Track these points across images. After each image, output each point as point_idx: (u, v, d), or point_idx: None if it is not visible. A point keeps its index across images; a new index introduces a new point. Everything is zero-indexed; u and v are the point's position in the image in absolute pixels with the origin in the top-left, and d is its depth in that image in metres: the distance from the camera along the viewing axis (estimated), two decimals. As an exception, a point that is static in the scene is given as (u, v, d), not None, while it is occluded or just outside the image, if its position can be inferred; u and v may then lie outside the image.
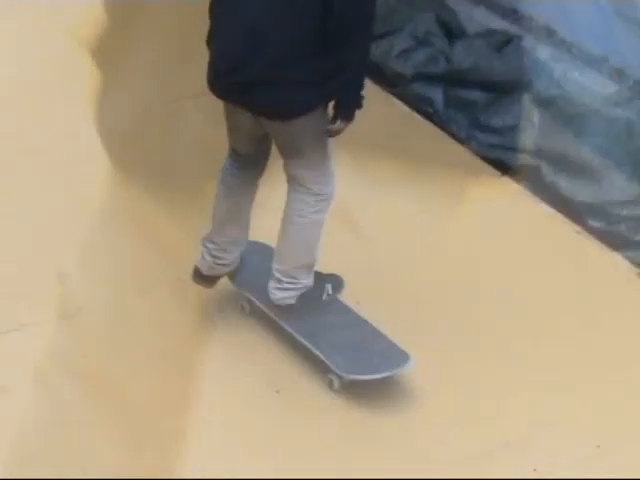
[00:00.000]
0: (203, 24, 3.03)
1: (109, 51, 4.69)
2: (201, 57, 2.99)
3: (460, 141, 4.33)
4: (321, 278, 3.02)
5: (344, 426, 2.94)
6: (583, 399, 3.10)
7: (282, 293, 2.92)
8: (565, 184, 3.99)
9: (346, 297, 3.15)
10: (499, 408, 3.15)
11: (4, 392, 2.83)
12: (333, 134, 2.81)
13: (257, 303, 3.09)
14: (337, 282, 3.08)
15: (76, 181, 3.85)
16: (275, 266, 2.91)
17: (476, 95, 4.44)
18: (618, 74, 4.34)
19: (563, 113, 4.16)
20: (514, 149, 4.23)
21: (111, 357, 3.04)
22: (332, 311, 3.10)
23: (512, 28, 4.61)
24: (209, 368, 3.09)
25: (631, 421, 3.08)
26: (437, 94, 4.53)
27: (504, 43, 4.59)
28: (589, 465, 2.96)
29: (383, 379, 2.96)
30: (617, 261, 3.81)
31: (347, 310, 3.06)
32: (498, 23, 4.68)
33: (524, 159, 4.17)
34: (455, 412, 3.03)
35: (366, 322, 3.10)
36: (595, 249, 3.79)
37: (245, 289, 3.12)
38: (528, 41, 4.52)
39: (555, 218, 3.95)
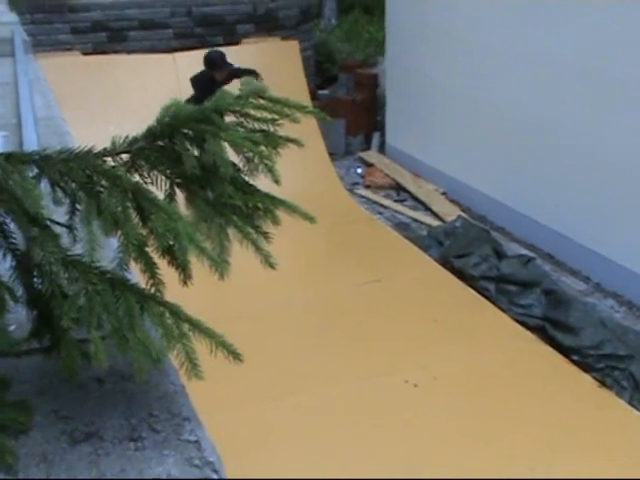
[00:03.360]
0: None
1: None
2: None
3: (504, 311, 6.01)
4: None
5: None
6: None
7: None
8: (560, 336, 5.62)
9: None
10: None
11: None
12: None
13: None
14: None
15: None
16: None
17: (512, 288, 6.23)
18: (587, 280, 6.79)
19: (558, 299, 5.96)
20: (531, 317, 5.92)
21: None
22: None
23: (530, 253, 7.02)
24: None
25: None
26: (492, 287, 6.35)
27: (527, 261, 6.57)
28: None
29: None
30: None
31: None
32: (522, 250, 7.15)
33: (536, 322, 5.85)
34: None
35: None
36: (572, 370, 5.35)
37: None
38: (539, 261, 6.87)
39: (553, 354, 5.42)
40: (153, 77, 8.27)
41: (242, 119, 1.73)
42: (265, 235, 1.70)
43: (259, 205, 1.67)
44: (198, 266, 1.62)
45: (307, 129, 8.60)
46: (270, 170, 1.64)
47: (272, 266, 1.67)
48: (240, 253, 1.72)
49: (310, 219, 1.66)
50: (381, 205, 8.72)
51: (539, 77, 7.18)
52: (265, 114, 1.71)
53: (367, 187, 9.23)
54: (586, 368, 5.35)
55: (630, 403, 5.04)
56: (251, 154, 1.66)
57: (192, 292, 1.83)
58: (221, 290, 6.30)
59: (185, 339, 1.57)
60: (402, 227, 8.06)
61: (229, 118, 1.74)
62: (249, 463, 4.27)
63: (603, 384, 5.23)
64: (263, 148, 1.66)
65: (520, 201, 7.58)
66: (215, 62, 7.33)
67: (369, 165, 9.80)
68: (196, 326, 1.60)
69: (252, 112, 1.72)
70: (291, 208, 1.70)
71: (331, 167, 8.95)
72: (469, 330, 5.83)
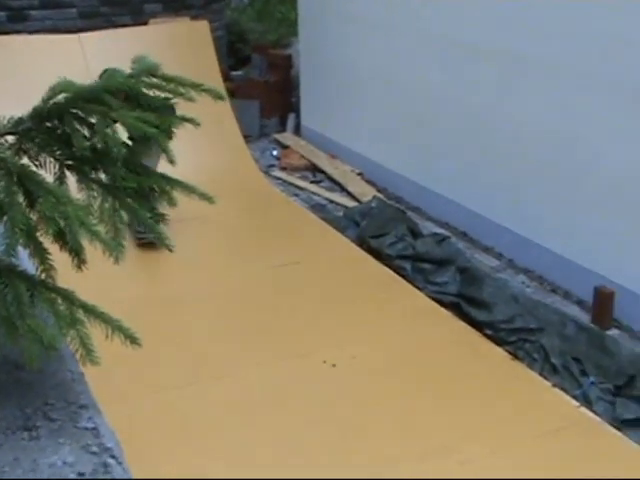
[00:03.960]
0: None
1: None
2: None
3: (419, 289, 6.04)
4: None
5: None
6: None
7: None
8: (474, 312, 5.66)
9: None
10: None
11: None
12: None
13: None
14: None
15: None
16: None
17: (427, 266, 6.28)
18: (499, 257, 6.89)
19: (472, 276, 5.97)
20: (447, 294, 5.95)
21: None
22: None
23: (445, 232, 7.11)
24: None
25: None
26: (408, 265, 6.37)
27: (442, 240, 6.65)
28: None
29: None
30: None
31: None
32: (437, 229, 7.24)
33: (451, 299, 5.87)
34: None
35: None
36: (486, 344, 5.33)
37: None
38: (453, 239, 6.94)
39: (467, 329, 5.49)
40: (58, 59, 7.99)
41: (134, 98, 1.68)
42: (162, 217, 1.66)
43: (154, 187, 1.62)
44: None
45: (220, 111, 8.55)
46: (164, 150, 1.60)
47: (169, 248, 1.63)
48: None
49: (209, 199, 1.63)
50: (297, 187, 8.71)
51: (452, 58, 7.25)
52: (158, 93, 1.66)
53: (283, 169, 9.19)
54: (499, 342, 5.47)
55: (541, 374, 5.19)
56: (144, 134, 1.62)
57: (95, 280, 1.79)
58: (133, 276, 6.29)
59: (79, 325, 1.52)
60: (318, 208, 8.06)
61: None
62: (155, 451, 4.21)
63: (515, 357, 5.36)
64: (156, 128, 1.62)
65: (435, 181, 7.67)
66: None
67: (285, 147, 9.76)
68: (91, 311, 1.55)
69: (144, 91, 1.66)
70: (188, 189, 1.67)
71: (246, 149, 8.87)
72: (386, 309, 5.89)
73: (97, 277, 5.09)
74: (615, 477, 4.16)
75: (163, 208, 1.62)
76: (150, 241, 4.62)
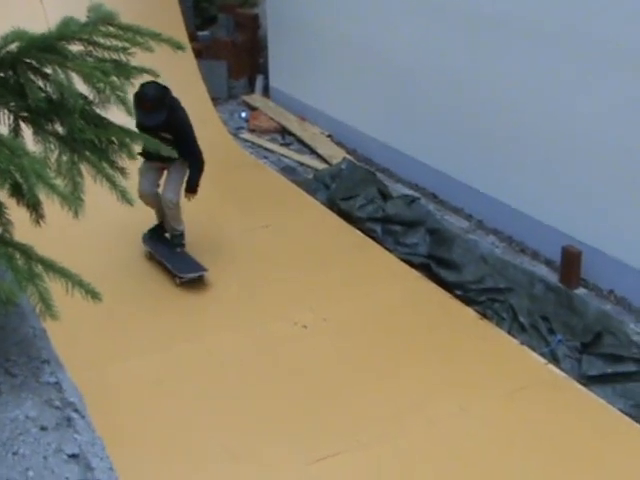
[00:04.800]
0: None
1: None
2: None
3: (390, 251, 6.18)
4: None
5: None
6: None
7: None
8: (443, 273, 5.83)
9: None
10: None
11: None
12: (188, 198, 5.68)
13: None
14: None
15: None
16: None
17: (398, 228, 6.38)
18: (469, 218, 6.90)
19: (442, 237, 6.11)
20: (417, 255, 6.12)
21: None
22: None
23: (415, 193, 7.12)
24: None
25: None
26: (378, 227, 6.48)
27: (412, 201, 6.64)
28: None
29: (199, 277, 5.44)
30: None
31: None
32: (407, 191, 7.24)
33: (421, 260, 6.06)
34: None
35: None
36: (456, 304, 5.46)
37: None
38: (423, 200, 6.96)
39: (437, 290, 5.65)
40: (16, 10, 7.75)
41: (91, 48, 1.62)
42: (122, 171, 1.61)
43: (113, 139, 1.57)
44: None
45: (186, 72, 8.39)
46: (123, 101, 1.55)
47: (129, 202, 1.58)
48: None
49: (170, 153, 1.58)
50: (266, 149, 8.64)
51: (421, 20, 7.19)
52: (116, 42, 1.60)
53: (252, 131, 9.11)
54: (468, 302, 5.54)
55: (509, 333, 5.24)
56: (102, 85, 1.56)
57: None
58: (101, 239, 6.21)
59: (38, 279, 1.48)
60: (288, 171, 8.01)
61: (77, 47, 1.63)
62: (123, 408, 4.20)
63: (484, 316, 5.41)
64: (114, 79, 1.56)
65: (405, 142, 7.65)
66: (140, 101, 4.80)
67: (253, 109, 9.66)
68: (50, 266, 1.51)
69: (101, 40, 1.61)
70: (149, 142, 1.62)
71: (214, 111, 8.77)
72: (357, 271, 5.90)
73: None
74: (581, 431, 4.23)
75: (124, 162, 1.57)
76: (190, 279, 5.36)
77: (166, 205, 5.64)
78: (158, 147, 1.53)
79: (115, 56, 1.57)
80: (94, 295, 1.53)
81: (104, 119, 1.53)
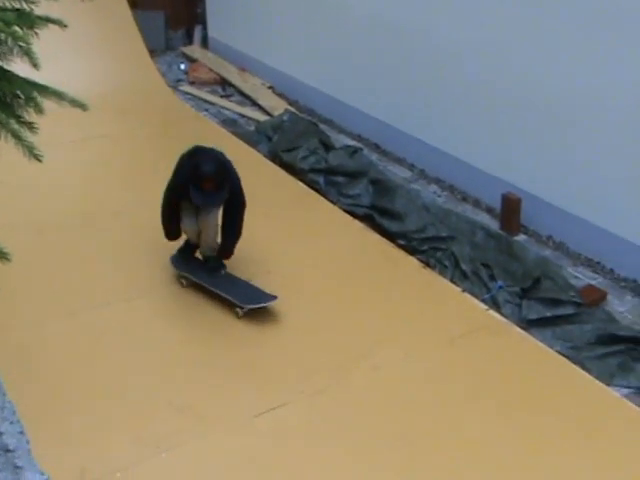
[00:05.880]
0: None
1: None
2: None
3: (333, 202, 6.21)
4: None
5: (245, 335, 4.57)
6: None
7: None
8: (386, 223, 5.87)
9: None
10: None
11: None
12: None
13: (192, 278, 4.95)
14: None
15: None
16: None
17: (340, 179, 6.43)
18: (411, 168, 6.90)
19: (385, 187, 6.16)
20: (360, 206, 6.14)
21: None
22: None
23: (358, 144, 7.13)
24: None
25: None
26: (321, 179, 6.50)
27: (354, 152, 6.67)
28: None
29: (266, 307, 4.69)
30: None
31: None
32: (350, 142, 7.23)
33: (364, 211, 6.09)
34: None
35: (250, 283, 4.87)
36: (399, 254, 5.52)
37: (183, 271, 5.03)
38: (366, 151, 6.99)
39: (380, 241, 5.69)
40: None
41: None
42: (29, 125, 1.54)
43: (19, 93, 1.49)
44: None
45: (120, 23, 8.14)
46: (27, 53, 1.46)
47: (38, 159, 1.51)
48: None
49: (81, 106, 1.51)
50: (207, 101, 8.49)
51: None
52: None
53: (191, 83, 8.93)
54: (411, 251, 5.60)
55: (452, 280, 5.31)
56: (3, 35, 1.47)
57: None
58: (42, 199, 6.03)
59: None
60: (229, 123, 7.91)
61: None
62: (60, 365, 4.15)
63: (427, 265, 5.47)
64: (17, 29, 1.47)
65: (346, 93, 7.60)
66: (200, 180, 4.67)
67: (192, 60, 9.46)
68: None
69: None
70: (58, 95, 1.54)
71: (151, 63, 8.55)
72: (301, 223, 5.90)
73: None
74: (522, 373, 4.33)
75: (30, 116, 1.49)
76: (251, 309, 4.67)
77: (211, 248, 5.07)
78: (64, 97, 1.47)
79: (17, 4, 1.48)
80: (2, 255, 1.47)
81: (7, 72, 1.46)
